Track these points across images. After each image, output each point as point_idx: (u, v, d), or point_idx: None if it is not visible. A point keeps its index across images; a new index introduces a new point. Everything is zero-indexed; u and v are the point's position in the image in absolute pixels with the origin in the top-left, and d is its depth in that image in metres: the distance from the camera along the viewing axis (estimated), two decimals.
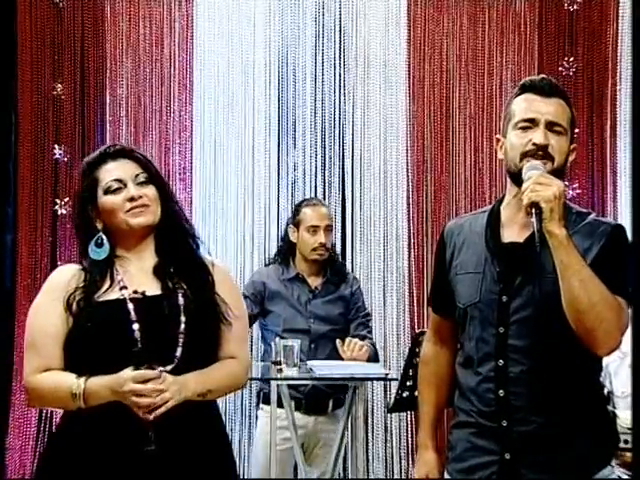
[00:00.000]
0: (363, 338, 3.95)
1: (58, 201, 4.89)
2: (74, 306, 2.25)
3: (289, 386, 3.76)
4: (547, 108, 2.26)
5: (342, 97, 5.03)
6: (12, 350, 4.79)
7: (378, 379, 4.29)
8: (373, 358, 3.93)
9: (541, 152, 2.23)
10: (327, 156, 5.01)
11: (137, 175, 2.34)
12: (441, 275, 2.42)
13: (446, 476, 2.37)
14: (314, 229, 4.03)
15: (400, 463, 4.86)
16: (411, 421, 4.78)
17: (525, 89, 2.32)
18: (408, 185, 5.01)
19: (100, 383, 2.18)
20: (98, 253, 2.32)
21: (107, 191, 2.33)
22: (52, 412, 4.78)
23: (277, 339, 3.75)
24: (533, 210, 2.12)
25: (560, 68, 4.99)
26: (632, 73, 3.80)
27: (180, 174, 4.93)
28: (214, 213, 4.95)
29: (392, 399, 4.09)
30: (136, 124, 4.96)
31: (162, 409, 2.16)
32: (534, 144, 2.23)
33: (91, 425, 2.21)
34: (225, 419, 4.48)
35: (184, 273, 2.34)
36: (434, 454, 2.45)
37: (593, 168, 5.01)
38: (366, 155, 5.01)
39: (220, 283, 2.37)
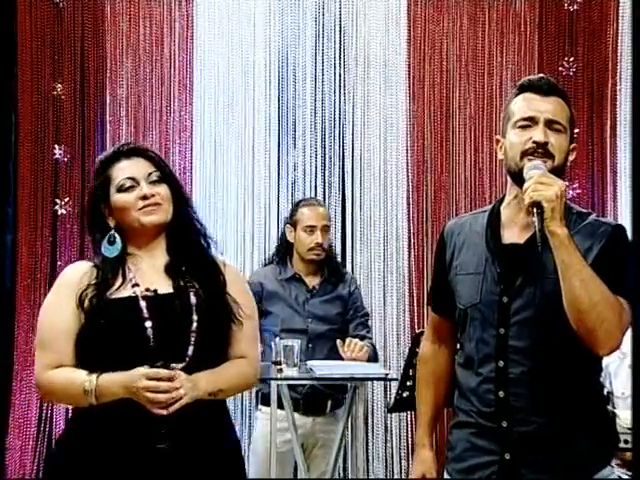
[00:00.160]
0: (362, 338, 3.94)
1: (58, 201, 4.89)
2: (86, 303, 2.25)
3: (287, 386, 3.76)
4: (546, 106, 2.26)
5: (342, 97, 5.03)
6: (12, 350, 4.79)
7: (378, 379, 4.29)
8: (372, 358, 3.93)
9: (541, 150, 2.23)
10: (327, 156, 5.01)
11: (150, 174, 2.35)
12: (441, 275, 2.42)
13: (446, 476, 2.37)
14: (311, 229, 4.02)
15: (400, 463, 4.86)
16: (411, 421, 4.78)
17: (524, 89, 2.32)
18: (408, 185, 5.01)
19: (112, 380, 2.19)
20: (110, 250, 2.33)
21: (120, 189, 2.34)
22: (52, 412, 4.79)
23: (277, 339, 3.75)
24: (535, 209, 2.12)
25: (560, 68, 5.00)
26: (632, 73, 3.79)
27: (180, 174, 4.92)
28: (214, 213, 4.95)
29: (392, 399, 4.09)
30: (136, 124, 4.97)
31: (176, 405, 2.16)
32: (534, 142, 2.23)
33: (103, 421, 2.21)
34: None
35: (196, 272, 2.34)
36: (431, 453, 2.45)
37: (593, 168, 5.01)
38: (366, 155, 5.02)
39: (231, 283, 2.37)
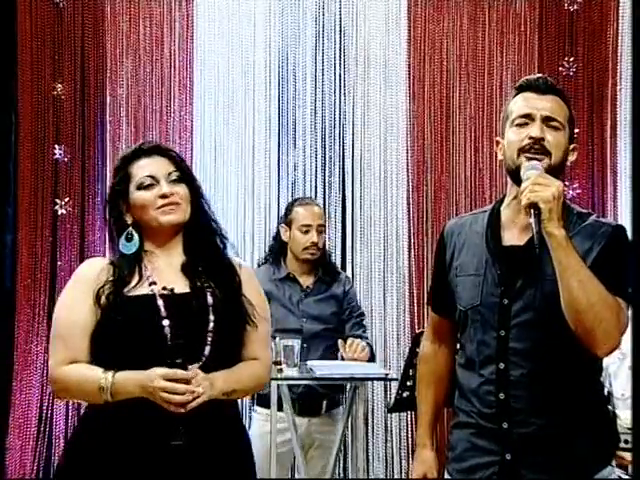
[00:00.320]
0: (359, 338, 3.94)
1: (58, 201, 4.89)
2: (103, 299, 2.25)
3: None
4: (543, 104, 2.27)
5: (342, 97, 5.03)
6: (12, 350, 4.79)
7: (378, 379, 4.28)
8: (370, 358, 3.92)
9: (537, 146, 2.23)
10: (327, 156, 5.01)
11: (170, 173, 2.36)
12: (441, 275, 2.42)
13: (446, 476, 2.37)
14: (307, 228, 4.00)
15: (400, 463, 4.86)
16: (411, 421, 4.78)
17: (522, 89, 2.33)
18: (408, 185, 5.01)
19: (129, 378, 2.19)
20: (128, 247, 2.33)
21: (140, 186, 2.34)
22: (52, 412, 4.79)
23: (277, 339, 3.74)
24: (532, 211, 2.12)
25: (560, 68, 4.99)
26: (632, 73, 3.81)
27: None
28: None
29: (392, 399, 4.09)
30: (136, 124, 4.96)
31: (193, 404, 2.16)
32: (530, 137, 2.23)
33: (119, 416, 2.21)
34: None
35: (212, 272, 2.35)
36: (432, 452, 2.46)
37: (593, 168, 5.01)
38: (366, 155, 5.01)
39: (246, 284, 2.39)
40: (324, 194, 4.97)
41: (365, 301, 4.89)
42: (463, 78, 5.04)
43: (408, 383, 3.61)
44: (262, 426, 3.78)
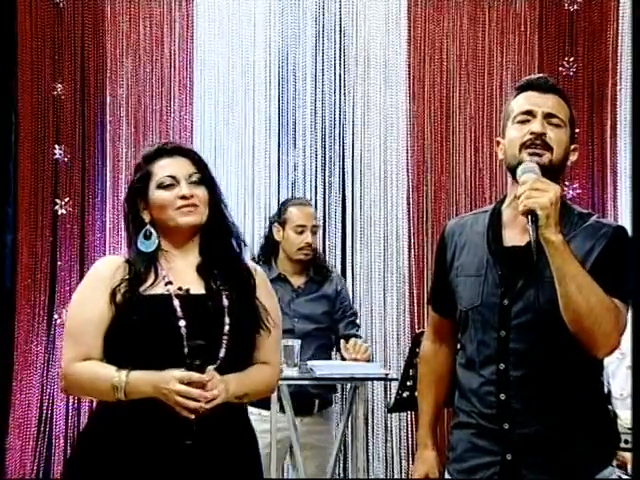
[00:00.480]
0: (354, 337, 3.93)
1: (58, 201, 4.89)
2: (119, 297, 2.24)
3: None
4: (544, 101, 2.27)
5: (342, 97, 5.03)
6: (12, 350, 4.79)
7: (378, 379, 4.28)
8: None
9: (539, 141, 2.23)
10: (327, 156, 5.01)
11: (191, 174, 2.35)
12: (441, 275, 2.42)
13: (447, 476, 2.37)
14: (301, 229, 3.99)
15: (400, 463, 4.86)
16: (411, 421, 4.78)
17: (523, 89, 2.33)
18: (408, 185, 5.01)
19: (143, 378, 2.18)
20: (147, 245, 2.33)
21: (160, 186, 2.34)
22: (52, 412, 4.79)
23: None
24: (529, 217, 2.10)
25: (560, 68, 4.99)
26: (632, 73, 3.81)
27: None
28: None
29: (392, 399, 4.08)
30: (136, 124, 4.96)
31: (207, 406, 2.16)
32: (532, 133, 2.23)
33: (131, 414, 2.21)
34: None
35: (228, 275, 2.35)
36: (433, 452, 2.45)
37: (593, 168, 5.01)
38: (366, 155, 5.01)
39: (261, 289, 2.39)
40: (324, 194, 4.97)
41: (365, 301, 4.90)
42: (463, 78, 5.04)
43: (408, 383, 3.61)
44: (256, 427, 3.75)
